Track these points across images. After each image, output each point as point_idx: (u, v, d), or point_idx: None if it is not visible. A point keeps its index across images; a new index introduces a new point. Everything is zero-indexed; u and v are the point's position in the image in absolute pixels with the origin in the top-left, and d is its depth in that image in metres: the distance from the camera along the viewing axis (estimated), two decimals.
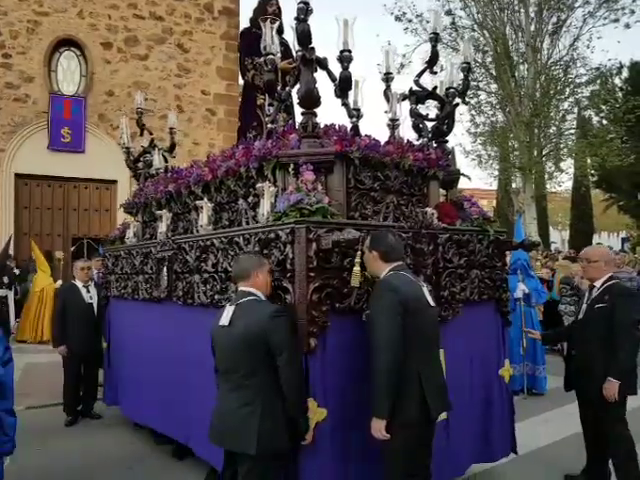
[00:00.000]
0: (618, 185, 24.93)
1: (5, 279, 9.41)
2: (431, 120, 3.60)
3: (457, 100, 3.58)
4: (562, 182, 17.61)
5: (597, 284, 3.30)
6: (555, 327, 8.73)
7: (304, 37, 2.77)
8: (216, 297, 3.11)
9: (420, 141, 3.57)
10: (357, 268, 2.35)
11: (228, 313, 2.32)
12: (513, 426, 3.51)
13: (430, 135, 3.52)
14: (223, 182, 3.48)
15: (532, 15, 14.55)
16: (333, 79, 3.11)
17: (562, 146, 15.42)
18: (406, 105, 3.80)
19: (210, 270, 3.18)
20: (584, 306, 3.34)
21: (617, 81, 19.54)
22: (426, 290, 2.50)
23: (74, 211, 12.52)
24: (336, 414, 2.48)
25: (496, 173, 17.86)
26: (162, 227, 3.99)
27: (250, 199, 3.28)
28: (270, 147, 2.97)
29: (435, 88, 3.60)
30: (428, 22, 14.80)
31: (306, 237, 2.50)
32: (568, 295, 7.93)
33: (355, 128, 3.15)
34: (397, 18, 15.31)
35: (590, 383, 3.14)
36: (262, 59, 2.91)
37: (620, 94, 19.29)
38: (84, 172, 12.29)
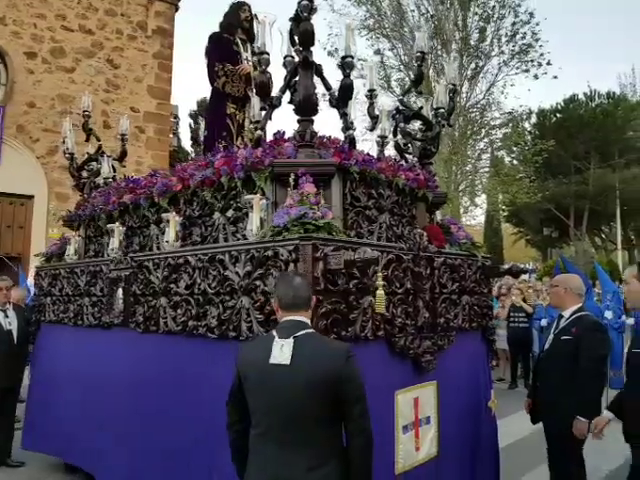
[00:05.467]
0: (526, 220, 27.28)
1: None
2: (418, 140, 3.50)
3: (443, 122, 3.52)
4: (476, 216, 18.84)
5: (565, 314, 3.16)
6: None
7: (306, 37, 2.55)
8: (190, 323, 2.68)
9: (405, 160, 3.45)
10: (381, 292, 2.06)
11: (285, 348, 1.77)
12: (498, 463, 3.36)
13: (417, 155, 3.40)
14: (196, 193, 3.10)
15: (452, 60, 15.59)
16: (328, 87, 2.90)
17: (477, 183, 16.44)
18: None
19: (182, 292, 2.76)
20: (550, 336, 3.27)
21: (527, 125, 21.51)
22: None
23: None
24: None
25: None
26: (114, 242, 3.49)
27: (230, 213, 2.93)
28: (260, 155, 2.67)
29: (421, 108, 3.51)
30: (359, 60, 15.24)
31: (312, 255, 2.21)
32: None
33: (351, 141, 2.94)
34: (329, 53, 15.49)
35: (553, 417, 3.01)
36: (255, 58, 2.63)
37: (529, 137, 21.24)
38: None
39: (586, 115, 24.61)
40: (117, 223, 3.56)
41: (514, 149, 19.07)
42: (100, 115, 12.08)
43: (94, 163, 4.34)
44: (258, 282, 2.35)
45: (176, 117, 14.98)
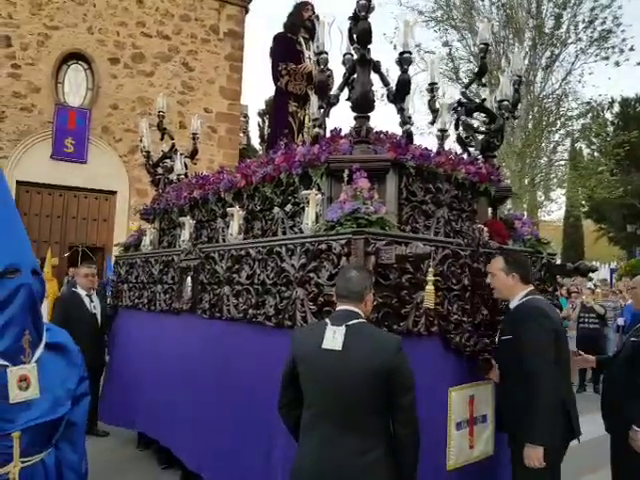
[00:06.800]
0: (608, 216, 25.31)
1: None
2: (480, 133, 3.41)
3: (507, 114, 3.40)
4: (551, 211, 17.74)
5: None
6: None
7: (364, 35, 2.58)
8: (250, 311, 2.83)
9: (468, 154, 3.38)
10: (431, 287, 2.07)
11: (337, 335, 1.84)
12: None
13: (480, 149, 3.32)
14: (258, 189, 3.24)
15: (526, 49, 14.79)
16: (386, 83, 2.91)
17: (552, 176, 15.53)
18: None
19: (244, 282, 2.91)
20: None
21: (608, 115, 19.90)
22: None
23: (73, 219, 12.44)
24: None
25: None
26: (184, 235, 3.74)
27: (288, 207, 3.04)
28: (317, 152, 2.75)
29: (484, 100, 3.42)
30: (427, 52, 14.84)
31: (364, 250, 2.25)
32: None
33: (409, 135, 2.94)
34: (396, 47, 15.14)
35: (615, 417, 2.82)
36: (314, 58, 2.70)
37: (611, 128, 19.65)
38: (85, 182, 12.35)
39: None
40: (188, 216, 3.82)
41: (594, 140, 17.78)
42: (177, 116, 12.81)
43: (168, 160, 4.65)
44: (312, 274, 2.43)
45: (246, 116, 15.55)
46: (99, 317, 4.70)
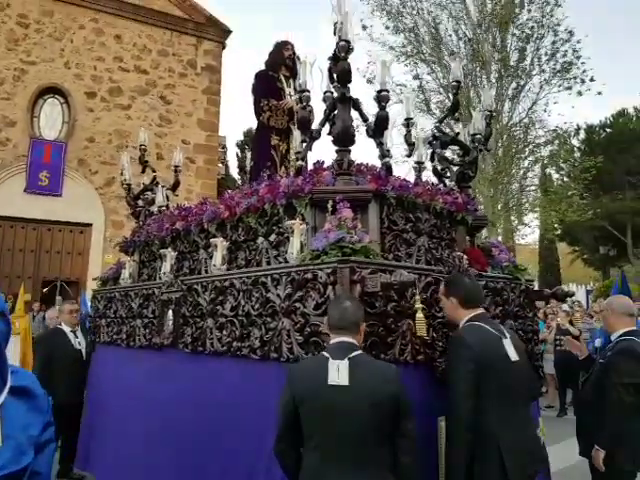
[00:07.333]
0: (580, 238, 26.24)
1: None
2: (455, 165, 3.56)
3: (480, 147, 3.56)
4: (525, 235, 18.21)
5: (613, 337, 3.12)
6: None
7: (344, 75, 2.70)
8: (234, 344, 2.81)
9: (444, 185, 3.51)
10: (421, 315, 2.11)
11: (341, 369, 1.81)
12: None
13: (455, 180, 3.45)
14: (241, 219, 3.28)
15: (493, 80, 15.52)
16: (365, 119, 3.03)
17: (524, 201, 16.06)
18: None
19: (228, 314, 2.90)
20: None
21: (575, 142, 20.93)
22: (507, 342, 2.27)
23: (46, 253, 12.19)
24: None
25: None
26: (165, 267, 3.71)
27: (273, 237, 3.07)
28: (301, 184, 2.82)
29: (457, 134, 3.58)
30: (398, 85, 15.40)
31: (350, 278, 2.29)
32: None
33: (388, 168, 3.05)
34: (369, 81, 15.59)
35: (586, 442, 2.89)
36: (296, 96, 2.80)
37: (578, 154, 20.64)
38: (59, 215, 12.22)
39: (638, 129, 23.73)
40: (169, 248, 3.80)
41: (563, 166, 18.61)
42: (154, 148, 12.88)
43: (149, 193, 4.65)
44: (298, 304, 2.45)
45: (224, 147, 15.70)
46: (84, 352, 4.60)
